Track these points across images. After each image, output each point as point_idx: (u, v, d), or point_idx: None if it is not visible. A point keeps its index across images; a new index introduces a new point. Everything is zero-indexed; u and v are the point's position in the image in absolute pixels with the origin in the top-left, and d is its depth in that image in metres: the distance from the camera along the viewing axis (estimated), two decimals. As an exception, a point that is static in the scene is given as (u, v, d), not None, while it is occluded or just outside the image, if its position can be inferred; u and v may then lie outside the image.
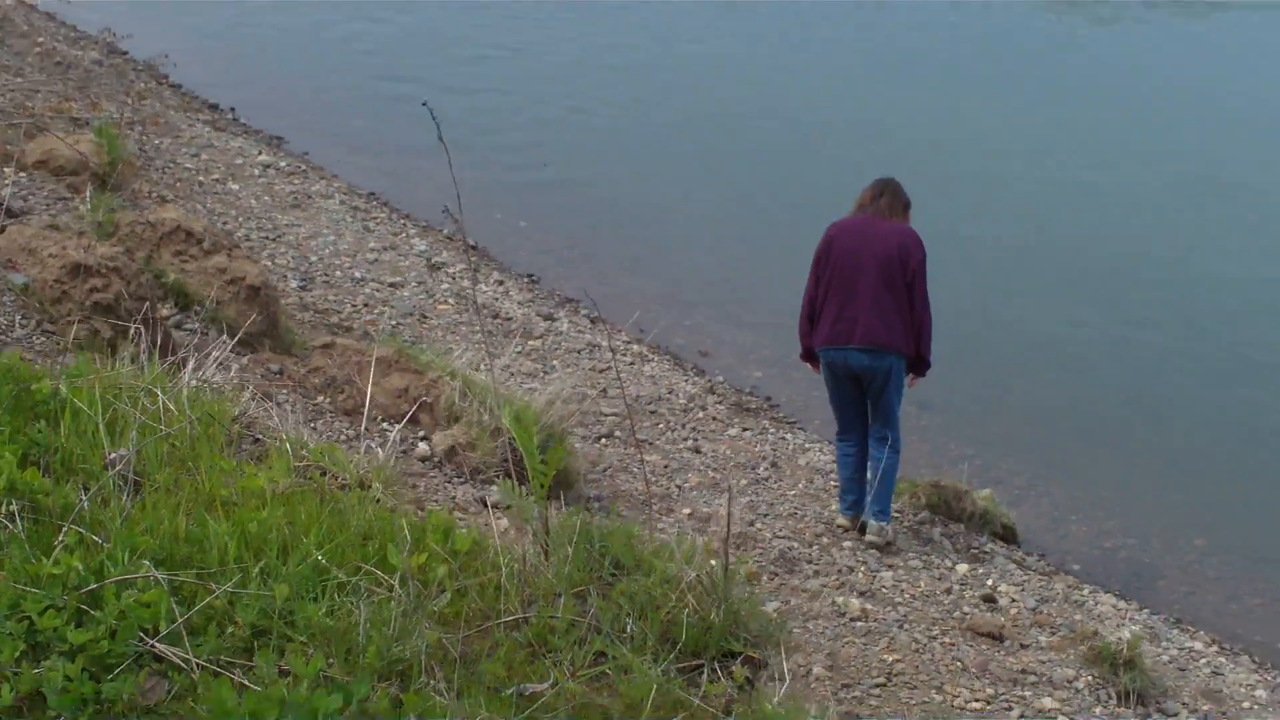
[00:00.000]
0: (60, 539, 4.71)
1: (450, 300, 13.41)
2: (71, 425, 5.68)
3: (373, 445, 7.45)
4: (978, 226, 17.02)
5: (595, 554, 5.87)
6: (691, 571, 5.81)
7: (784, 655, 5.76)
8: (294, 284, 12.76)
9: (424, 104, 6.39)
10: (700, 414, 12.03)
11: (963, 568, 9.85)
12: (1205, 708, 8.60)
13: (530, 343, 12.84)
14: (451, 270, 14.29)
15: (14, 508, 4.83)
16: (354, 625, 4.63)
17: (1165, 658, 9.22)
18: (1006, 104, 23.38)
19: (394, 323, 12.46)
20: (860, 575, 9.46)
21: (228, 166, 15.91)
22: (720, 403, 12.40)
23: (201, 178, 15.15)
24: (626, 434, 11.00)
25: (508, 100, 22.07)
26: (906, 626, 8.80)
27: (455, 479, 8.96)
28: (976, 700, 8.04)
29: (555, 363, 12.48)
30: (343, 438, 8.84)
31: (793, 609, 8.70)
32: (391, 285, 13.48)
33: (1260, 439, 12.92)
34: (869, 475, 9.83)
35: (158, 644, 4.34)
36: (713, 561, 6.10)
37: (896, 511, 10.36)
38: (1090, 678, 8.52)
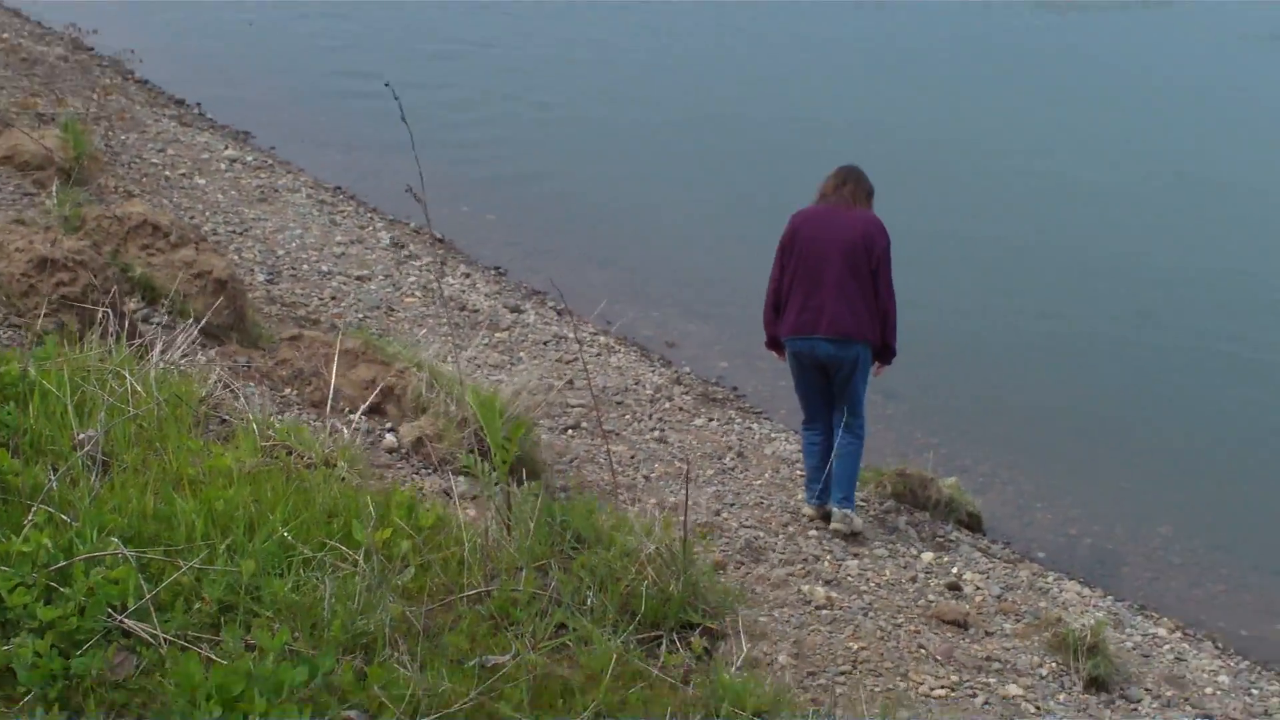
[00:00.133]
0: (30, 518, 4.73)
1: (417, 293, 13.42)
2: (40, 407, 5.71)
3: (338, 425, 7.47)
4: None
5: (556, 528, 5.93)
6: (651, 544, 5.87)
7: (741, 626, 5.81)
8: (261, 278, 12.76)
9: (386, 84, 6.44)
10: (667, 404, 12.06)
11: (928, 556, 9.89)
12: (1169, 693, 8.66)
13: (497, 334, 12.85)
14: (419, 263, 14.30)
15: (-16, 488, 4.86)
16: (319, 600, 4.66)
17: (1129, 644, 9.27)
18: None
19: (361, 315, 12.47)
20: (826, 564, 9.48)
21: (194, 161, 15.88)
22: (687, 393, 12.43)
23: (168, 172, 15.13)
24: (593, 425, 11.02)
25: (475, 96, 22.10)
26: (872, 614, 8.83)
27: (423, 469, 8.97)
28: (941, 687, 8.06)
29: (522, 354, 12.50)
30: (310, 429, 8.84)
31: (758, 596, 8.74)
32: (358, 278, 13.49)
33: (1225, 427, 13.04)
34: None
35: (126, 620, 4.37)
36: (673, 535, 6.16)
37: (862, 500, 10.41)
38: (1054, 664, 8.57)
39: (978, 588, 9.56)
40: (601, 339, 13.39)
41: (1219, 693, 8.83)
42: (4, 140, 12.45)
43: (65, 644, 4.21)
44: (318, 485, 5.66)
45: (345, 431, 6.95)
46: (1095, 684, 8.48)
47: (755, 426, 11.97)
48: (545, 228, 16.83)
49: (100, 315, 7.60)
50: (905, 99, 23.22)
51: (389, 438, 9.36)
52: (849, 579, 9.32)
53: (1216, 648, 9.68)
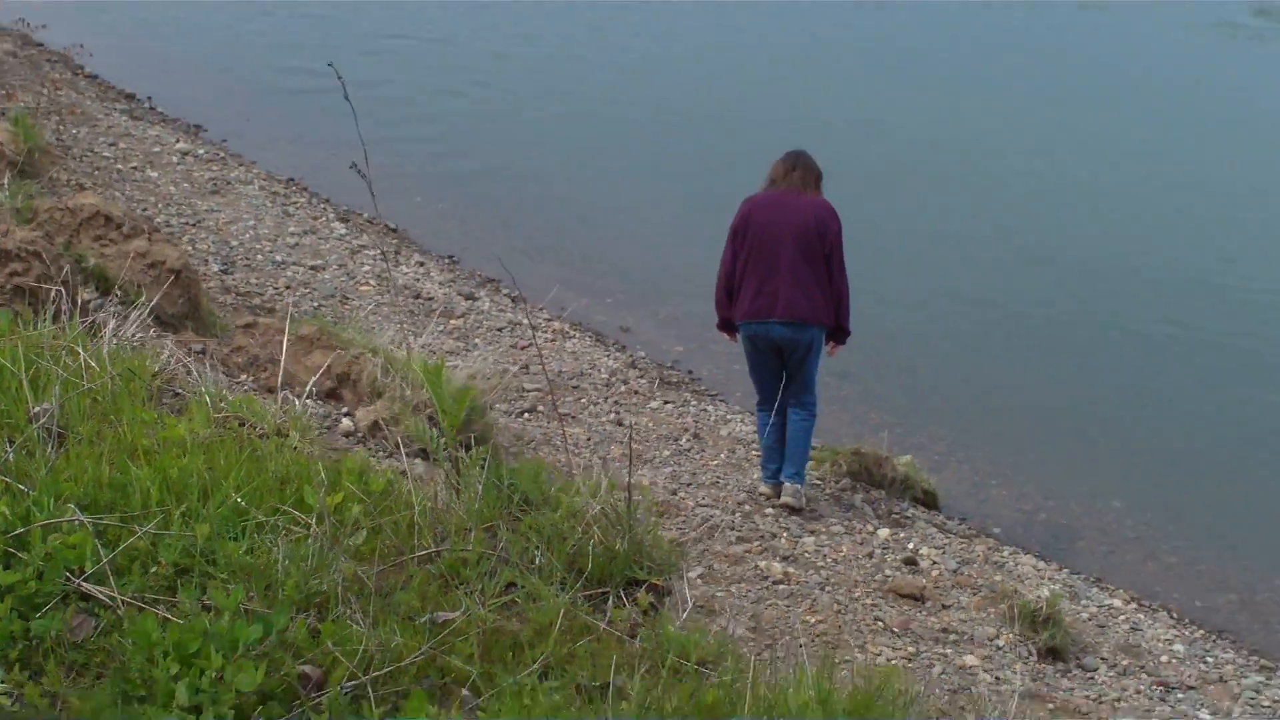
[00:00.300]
0: (-13, 489, 4.75)
1: (372, 282, 13.42)
2: (-5, 382, 5.72)
3: (290, 397, 7.49)
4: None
5: (504, 491, 5.99)
6: (596, 505, 5.93)
7: (685, 581, 5.86)
8: (215, 268, 12.75)
9: (329, 64, 6.45)
10: (622, 388, 12.10)
11: (884, 532, 9.95)
12: (1124, 662, 8.74)
13: (452, 321, 12.86)
14: (373, 253, 14.30)
15: (-61, 461, 4.86)
16: (273, 562, 4.69)
17: (1085, 615, 9.36)
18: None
19: (316, 304, 12.47)
20: (783, 541, 9.53)
21: (146, 154, 15.85)
22: (642, 377, 12.47)
23: (120, 165, 15.10)
24: (549, 409, 11.05)
25: (426, 91, 22.10)
26: (829, 589, 8.89)
27: (379, 453, 8.98)
28: (898, 658, 8.13)
29: (477, 340, 12.52)
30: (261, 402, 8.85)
31: (715, 573, 8.78)
32: (313, 268, 13.48)
33: (1177, 405, 13.22)
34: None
35: (84, 584, 4.39)
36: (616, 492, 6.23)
37: (818, 479, 10.47)
38: (1011, 635, 8.63)
39: (934, 562, 9.63)
40: (556, 325, 13.41)
41: (1174, 661, 8.92)
42: (-46, 134, 12.43)
43: (25, 607, 4.23)
44: (270, 453, 5.69)
45: (297, 403, 6.97)
46: (1052, 653, 8.57)
47: (710, 409, 12.01)
48: (499, 219, 16.86)
49: (53, 295, 7.61)
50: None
51: (345, 422, 9.36)
52: (806, 555, 9.37)
53: (1171, 618, 9.78)
